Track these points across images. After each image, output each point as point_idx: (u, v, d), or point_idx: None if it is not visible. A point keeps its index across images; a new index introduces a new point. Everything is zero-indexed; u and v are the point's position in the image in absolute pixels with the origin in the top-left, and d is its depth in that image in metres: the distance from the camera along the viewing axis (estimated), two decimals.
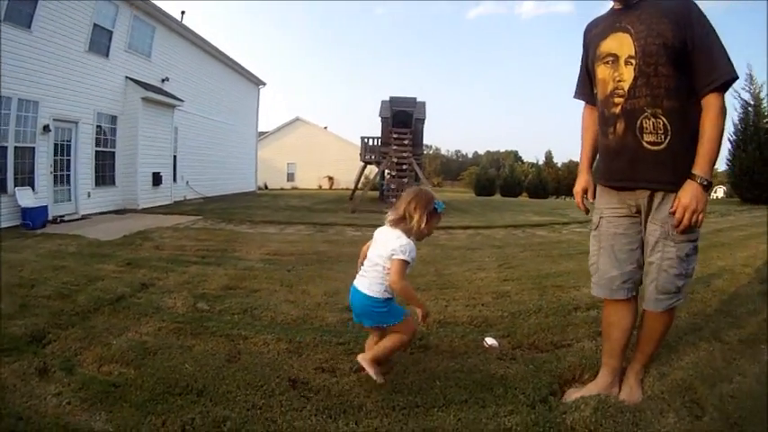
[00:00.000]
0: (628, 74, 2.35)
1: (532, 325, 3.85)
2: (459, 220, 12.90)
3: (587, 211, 2.90)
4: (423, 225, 2.58)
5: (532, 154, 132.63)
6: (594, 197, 2.74)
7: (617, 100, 2.40)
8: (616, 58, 2.40)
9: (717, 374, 2.94)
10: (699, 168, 2.24)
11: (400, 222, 2.62)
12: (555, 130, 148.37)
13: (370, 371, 2.66)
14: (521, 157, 77.93)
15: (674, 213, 2.26)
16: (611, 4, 2.54)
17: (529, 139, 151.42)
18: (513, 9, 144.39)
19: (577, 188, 2.85)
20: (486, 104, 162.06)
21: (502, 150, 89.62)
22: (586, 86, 2.76)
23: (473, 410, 2.48)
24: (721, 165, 27.41)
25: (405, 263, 2.54)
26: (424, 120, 22.78)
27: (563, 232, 10.83)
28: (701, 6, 2.29)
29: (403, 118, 21.19)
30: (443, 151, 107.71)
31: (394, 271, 2.54)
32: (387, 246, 2.59)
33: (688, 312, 4.23)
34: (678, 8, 2.29)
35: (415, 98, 22.83)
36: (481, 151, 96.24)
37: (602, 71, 2.49)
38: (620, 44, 2.39)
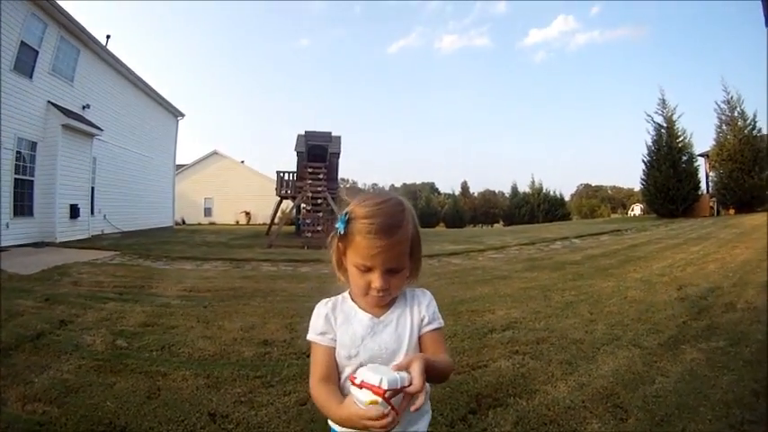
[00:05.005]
0: None
1: (447, 350, 4.02)
2: None
3: None
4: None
5: (449, 185, 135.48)
6: None
7: None
8: None
9: (638, 378, 3.17)
10: None
11: None
12: (471, 160, 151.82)
13: None
14: (437, 189, 78.74)
15: None
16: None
17: (445, 171, 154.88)
18: (432, 44, 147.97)
19: None
20: (402, 137, 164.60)
21: (418, 182, 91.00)
22: None
23: None
24: (636, 184, 29.77)
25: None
26: (339, 154, 22.87)
27: (479, 259, 10.88)
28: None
29: (318, 152, 21.17)
30: (360, 185, 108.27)
31: None
32: None
33: (605, 324, 4.55)
34: None
35: (330, 132, 22.81)
36: (398, 184, 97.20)
37: None
38: None
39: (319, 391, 1.25)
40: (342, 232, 1.25)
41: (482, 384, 3.20)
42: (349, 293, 1.38)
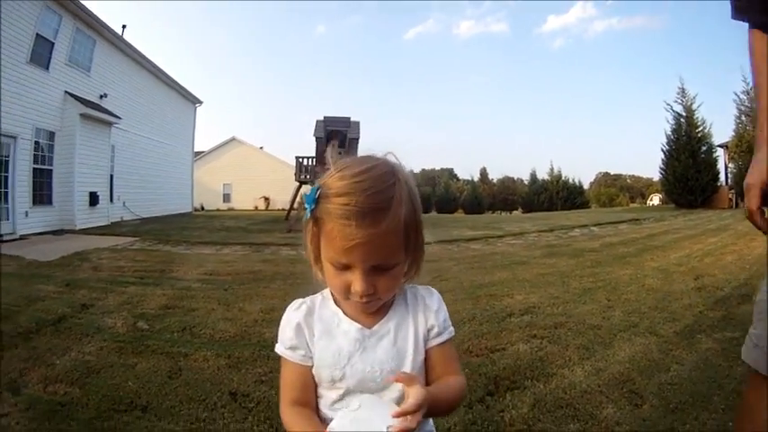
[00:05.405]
0: None
1: (467, 333, 3.94)
2: None
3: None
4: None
5: (467, 171, 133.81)
6: None
7: None
8: None
9: (654, 365, 3.14)
10: None
11: None
12: (490, 147, 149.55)
13: None
14: (456, 175, 77.92)
15: None
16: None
17: (464, 157, 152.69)
18: (449, 30, 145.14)
19: (751, 181, 1.29)
20: (421, 123, 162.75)
21: (437, 168, 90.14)
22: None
23: None
24: (655, 174, 29.39)
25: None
26: (358, 139, 22.52)
27: (498, 245, 10.74)
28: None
29: (337, 137, 21.09)
30: None
31: None
32: None
33: (622, 311, 4.52)
34: None
35: (349, 118, 22.52)
36: (417, 170, 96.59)
37: None
38: None
39: (290, 419, 0.93)
40: (309, 215, 0.90)
41: (500, 367, 3.19)
42: (331, 292, 1.01)
